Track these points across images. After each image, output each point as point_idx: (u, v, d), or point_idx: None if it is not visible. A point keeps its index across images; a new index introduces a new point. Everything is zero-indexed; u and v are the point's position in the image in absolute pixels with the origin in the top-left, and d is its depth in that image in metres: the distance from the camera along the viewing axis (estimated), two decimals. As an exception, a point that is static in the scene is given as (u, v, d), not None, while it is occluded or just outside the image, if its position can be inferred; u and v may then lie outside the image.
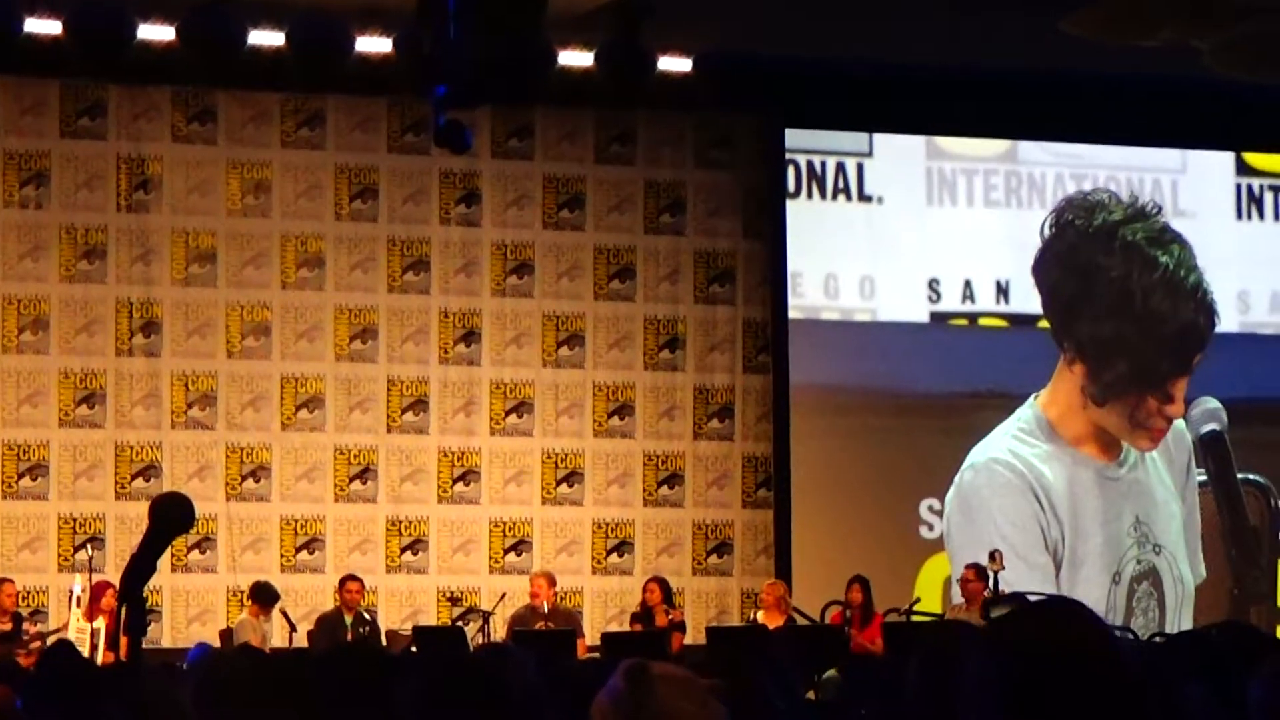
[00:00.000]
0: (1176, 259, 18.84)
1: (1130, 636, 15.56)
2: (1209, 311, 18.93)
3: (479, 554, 18.12)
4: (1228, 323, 19.36)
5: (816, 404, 18.66)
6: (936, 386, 18.83)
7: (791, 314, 18.74)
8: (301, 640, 16.06)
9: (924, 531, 18.66)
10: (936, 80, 18.19)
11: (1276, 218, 20.07)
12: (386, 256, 18.19)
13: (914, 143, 19.25)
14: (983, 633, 2.90)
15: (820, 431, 18.63)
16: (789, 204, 18.81)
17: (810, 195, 18.91)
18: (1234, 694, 3.82)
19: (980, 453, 18.61)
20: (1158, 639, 15.25)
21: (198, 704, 4.47)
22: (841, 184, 19.00)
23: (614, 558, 18.41)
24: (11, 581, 16.05)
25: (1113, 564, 18.56)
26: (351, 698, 4.02)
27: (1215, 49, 14.78)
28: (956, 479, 18.49)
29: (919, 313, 19.06)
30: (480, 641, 15.99)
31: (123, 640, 4.42)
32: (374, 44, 16.74)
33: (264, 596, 16.26)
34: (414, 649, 15.51)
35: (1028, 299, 18.99)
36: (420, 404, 18.14)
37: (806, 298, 18.83)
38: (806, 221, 18.85)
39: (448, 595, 17.89)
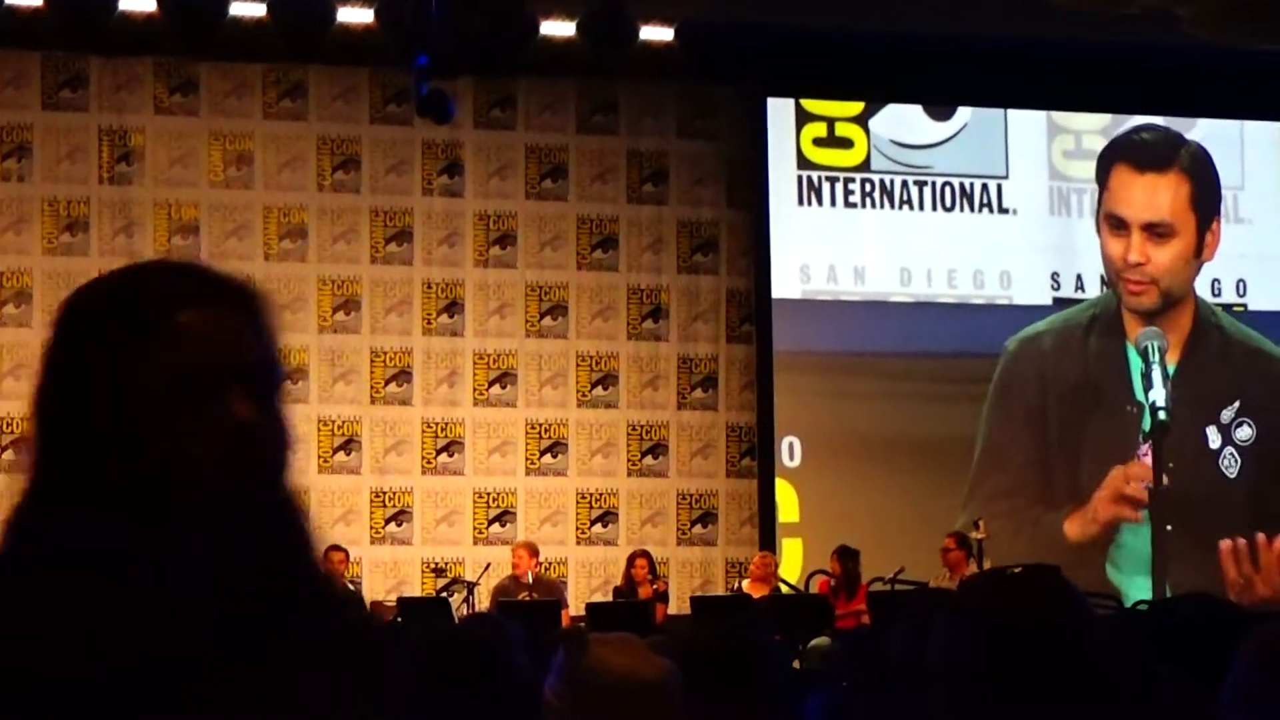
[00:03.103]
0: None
1: (1110, 604, 15.60)
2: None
3: (463, 525, 18.13)
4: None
5: (800, 371, 18.59)
6: (924, 349, 18.71)
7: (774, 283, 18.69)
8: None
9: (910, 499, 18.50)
10: (925, 50, 18.10)
11: None
12: (369, 227, 18.17)
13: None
14: (952, 599, 2.90)
15: (805, 399, 18.57)
16: (771, 173, 18.74)
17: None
18: (1205, 669, 3.82)
19: None
20: (1141, 606, 15.30)
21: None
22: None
23: (598, 528, 18.42)
24: None
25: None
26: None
27: (1196, 15, 14.77)
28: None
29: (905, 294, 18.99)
30: (465, 612, 15.99)
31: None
32: (355, 14, 16.69)
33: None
34: (399, 620, 15.51)
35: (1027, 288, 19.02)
36: (404, 375, 18.14)
37: (790, 267, 18.77)
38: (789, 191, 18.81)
39: (432, 566, 17.91)
